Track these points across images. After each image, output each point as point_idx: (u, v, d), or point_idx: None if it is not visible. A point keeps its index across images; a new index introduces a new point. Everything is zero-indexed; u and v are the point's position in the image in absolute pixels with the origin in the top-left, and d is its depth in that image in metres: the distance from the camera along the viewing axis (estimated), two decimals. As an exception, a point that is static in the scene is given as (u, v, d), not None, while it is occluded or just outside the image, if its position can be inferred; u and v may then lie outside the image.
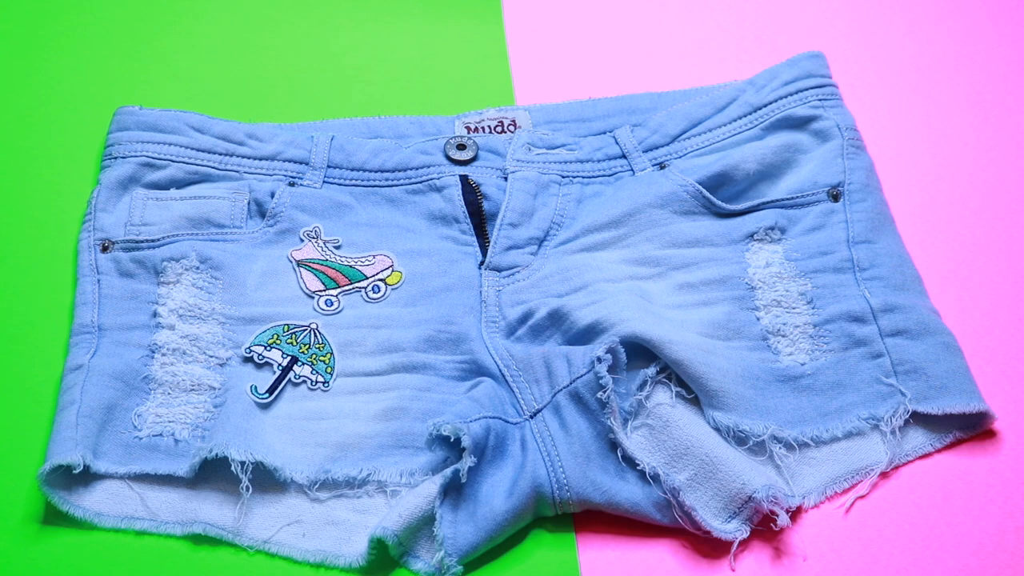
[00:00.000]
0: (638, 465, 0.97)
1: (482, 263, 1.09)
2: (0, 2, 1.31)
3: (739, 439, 0.99)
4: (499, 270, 1.09)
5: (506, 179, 1.13)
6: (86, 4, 1.32)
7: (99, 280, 1.08)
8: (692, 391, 1.01)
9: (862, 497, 0.98)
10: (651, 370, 1.01)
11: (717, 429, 0.99)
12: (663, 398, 1.00)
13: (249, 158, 1.15)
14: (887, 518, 0.97)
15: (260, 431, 1.00)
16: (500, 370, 1.03)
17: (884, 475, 0.99)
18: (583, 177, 1.14)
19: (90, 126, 1.19)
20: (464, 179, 1.14)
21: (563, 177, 1.14)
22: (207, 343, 1.05)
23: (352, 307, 1.08)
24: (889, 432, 0.99)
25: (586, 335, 1.03)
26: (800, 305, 1.05)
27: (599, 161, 1.15)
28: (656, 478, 0.96)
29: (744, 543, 0.96)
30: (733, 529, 0.95)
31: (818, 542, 0.96)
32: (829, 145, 1.13)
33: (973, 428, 1.00)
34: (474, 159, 1.15)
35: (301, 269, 1.09)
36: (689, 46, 1.28)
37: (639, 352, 1.02)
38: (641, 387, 1.01)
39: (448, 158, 1.15)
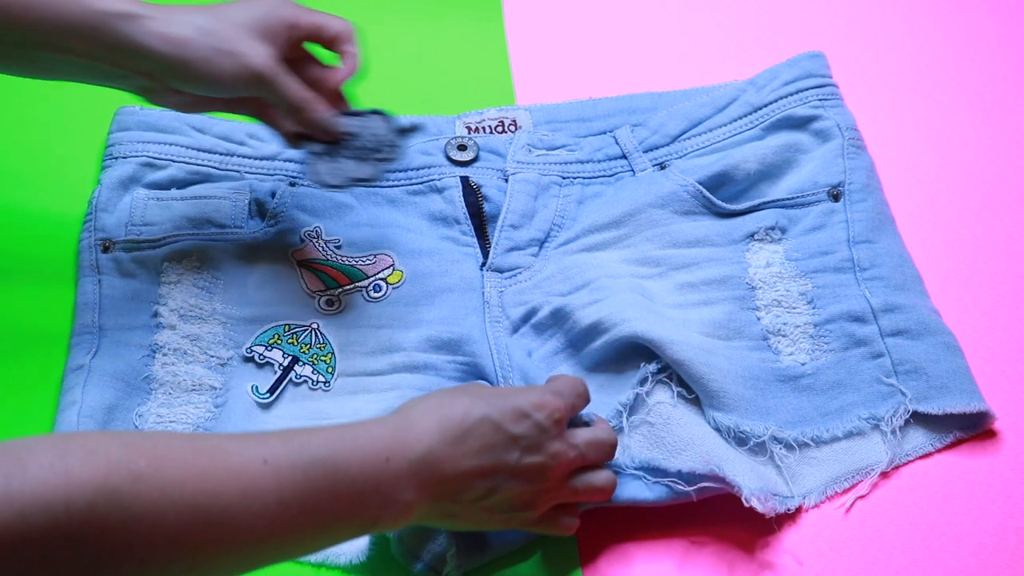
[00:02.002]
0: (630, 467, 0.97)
1: (483, 264, 1.09)
2: (0, 2, 1.31)
3: (740, 439, 0.99)
4: (501, 271, 1.09)
5: (507, 180, 1.13)
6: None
7: (100, 280, 1.08)
8: (693, 391, 1.01)
9: (862, 497, 0.98)
10: (652, 367, 1.01)
11: (718, 429, 0.99)
12: (664, 397, 1.00)
13: (250, 158, 1.15)
14: (887, 518, 0.97)
15: (261, 431, 1.00)
16: (498, 380, 1.03)
17: (884, 475, 0.99)
18: (584, 178, 1.14)
19: (90, 126, 1.19)
20: (465, 180, 1.14)
21: (563, 178, 1.14)
22: (208, 343, 1.05)
23: (353, 307, 1.08)
24: (889, 432, 0.99)
25: (588, 334, 1.03)
26: (800, 305, 1.05)
27: (599, 162, 1.15)
28: (658, 471, 0.96)
29: (744, 544, 0.96)
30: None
31: (818, 542, 0.96)
32: (829, 145, 1.13)
33: (973, 428, 1.00)
34: (475, 160, 1.15)
35: (302, 269, 1.10)
36: (689, 46, 1.28)
37: (640, 351, 1.02)
38: (642, 383, 1.01)
39: (449, 159, 1.15)
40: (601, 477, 0.92)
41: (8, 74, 1.01)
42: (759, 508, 0.93)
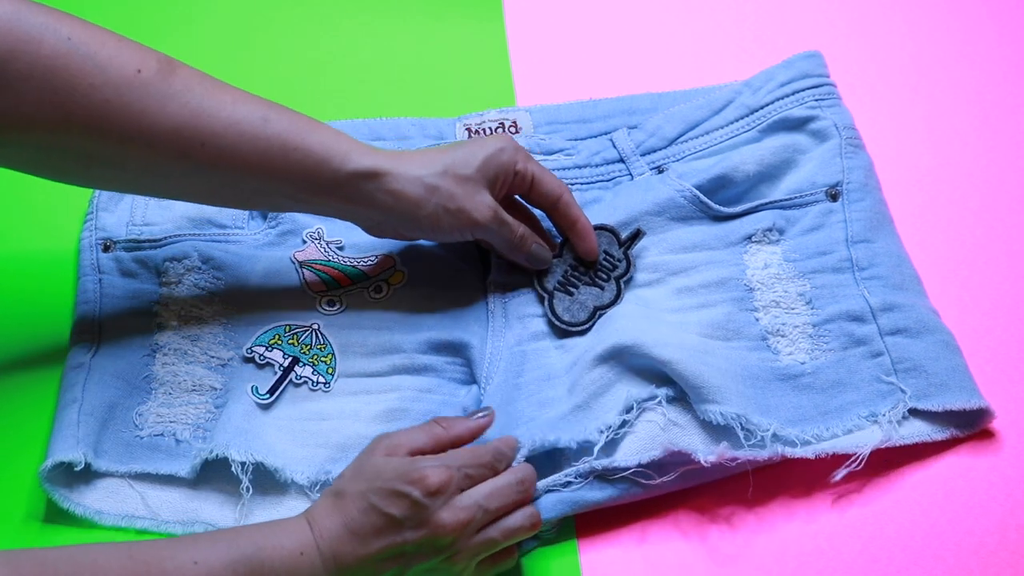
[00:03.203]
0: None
1: (486, 272, 1.09)
2: (2, 4, 1.31)
3: (746, 433, 0.98)
4: (503, 282, 1.08)
5: (506, 186, 1.13)
6: (85, 4, 1.32)
7: (100, 280, 1.08)
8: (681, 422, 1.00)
9: (858, 493, 0.98)
10: (643, 392, 1.00)
11: (718, 426, 0.98)
12: (655, 417, 1.00)
13: (251, 159, 1.15)
14: (887, 518, 0.97)
15: (261, 432, 1.00)
16: (482, 390, 1.03)
17: (884, 475, 0.98)
18: (582, 183, 1.14)
19: (92, 127, 1.19)
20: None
21: (561, 184, 1.13)
22: (208, 343, 1.05)
23: (354, 308, 1.08)
24: (886, 422, 0.99)
25: (584, 349, 1.03)
26: (799, 305, 1.05)
27: (597, 166, 1.15)
28: (616, 469, 0.97)
29: (743, 543, 0.96)
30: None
31: (818, 542, 0.96)
32: (827, 145, 1.12)
33: (972, 426, 1.00)
34: (476, 165, 1.15)
35: (304, 270, 1.10)
36: (689, 46, 1.28)
37: (637, 369, 1.01)
38: (627, 411, 0.99)
39: (449, 164, 1.15)
40: (517, 518, 0.93)
41: (222, 206, 1.08)
42: (716, 458, 0.94)
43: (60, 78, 0.91)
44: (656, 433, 0.98)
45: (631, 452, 0.97)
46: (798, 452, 0.97)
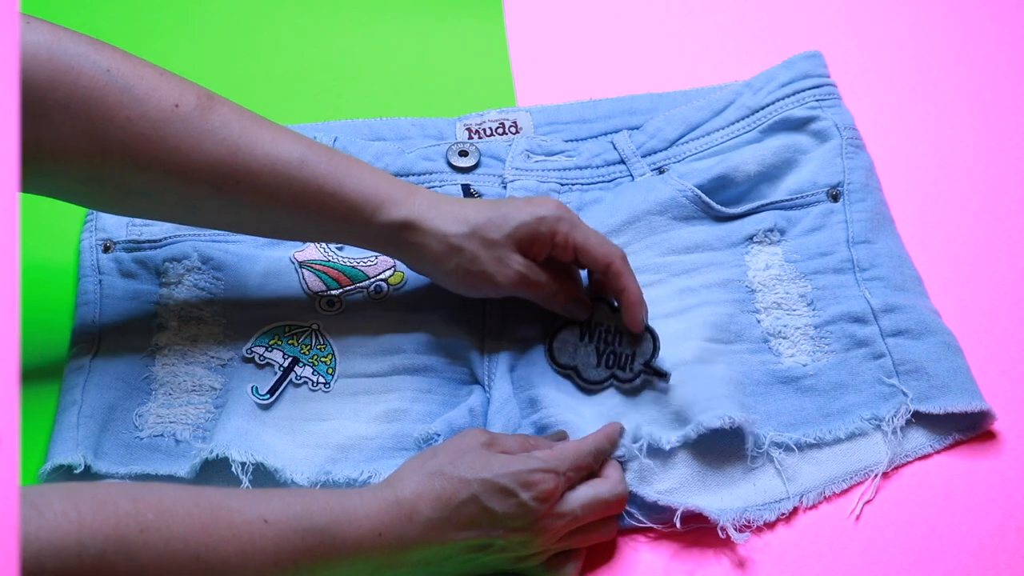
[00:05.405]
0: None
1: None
2: (1, 3, 1.31)
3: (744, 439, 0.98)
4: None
5: (506, 188, 1.13)
6: (84, 5, 1.32)
7: (101, 280, 1.08)
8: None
9: (869, 502, 0.98)
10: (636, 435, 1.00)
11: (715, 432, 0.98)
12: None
13: (251, 159, 1.14)
14: (887, 518, 0.97)
15: (261, 432, 1.00)
16: (485, 389, 1.03)
17: (884, 475, 0.99)
18: (582, 184, 1.14)
19: (91, 126, 1.19)
20: (466, 188, 1.13)
21: (562, 185, 1.13)
22: (208, 344, 1.05)
23: (354, 308, 1.08)
24: (891, 432, 0.99)
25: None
26: (800, 307, 1.05)
27: (598, 167, 1.15)
28: (635, 497, 0.96)
29: (742, 544, 0.96)
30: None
31: (818, 542, 0.96)
32: (828, 145, 1.13)
33: (974, 428, 1.00)
34: (476, 166, 1.14)
35: (303, 270, 1.09)
36: (689, 46, 1.28)
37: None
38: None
39: (450, 165, 1.14)
40: (599, 531, 0.95)
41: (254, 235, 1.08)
42: (733, 537, 0.94)
43: (97, 110, 0.92)
44: (675, 486, 0.98)
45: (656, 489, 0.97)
46: (811, 499, 0.97)
